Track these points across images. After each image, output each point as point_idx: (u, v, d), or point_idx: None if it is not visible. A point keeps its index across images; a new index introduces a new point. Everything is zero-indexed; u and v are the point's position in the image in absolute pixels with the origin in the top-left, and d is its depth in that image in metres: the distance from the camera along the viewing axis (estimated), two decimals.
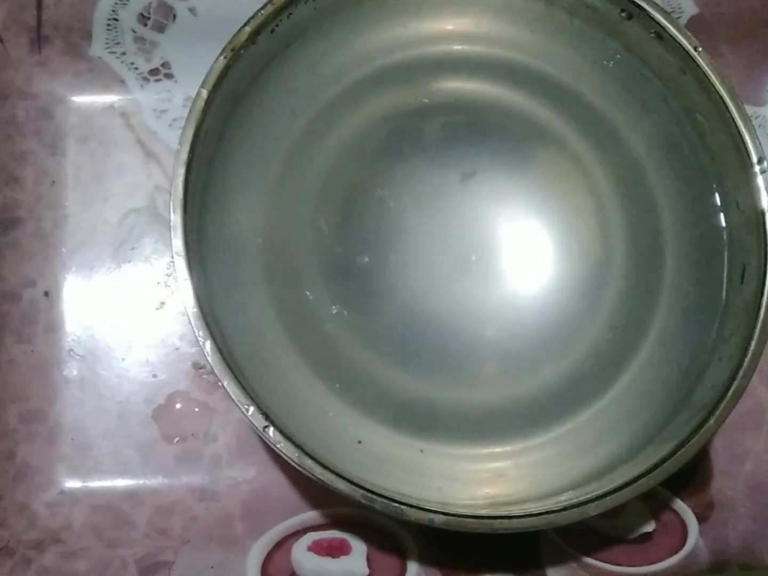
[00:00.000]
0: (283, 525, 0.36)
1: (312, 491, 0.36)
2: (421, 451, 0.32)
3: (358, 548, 0.35)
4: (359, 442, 0.31)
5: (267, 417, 0.28)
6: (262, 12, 0.31)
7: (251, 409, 0.28)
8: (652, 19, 0.33)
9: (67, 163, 0.38)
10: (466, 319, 0.33)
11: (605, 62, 0.35)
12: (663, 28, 0.32)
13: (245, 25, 0.31)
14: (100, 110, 0.39)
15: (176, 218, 0.29)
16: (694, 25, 0.41)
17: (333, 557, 0.35)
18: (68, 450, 0.36)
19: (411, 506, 0.28)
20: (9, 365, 0.36)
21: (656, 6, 0.32)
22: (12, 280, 0.37)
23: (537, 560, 0.36)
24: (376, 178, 0.34)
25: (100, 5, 0.38)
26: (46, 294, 0.37)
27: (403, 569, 0.35)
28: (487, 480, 0.32)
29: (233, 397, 0.28)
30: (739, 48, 0.42)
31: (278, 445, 0.28)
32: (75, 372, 0.37)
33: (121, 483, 0.36)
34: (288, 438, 0.28)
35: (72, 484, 0.36)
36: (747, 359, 0.30)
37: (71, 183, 0.38)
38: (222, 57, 0.30)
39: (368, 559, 0.35)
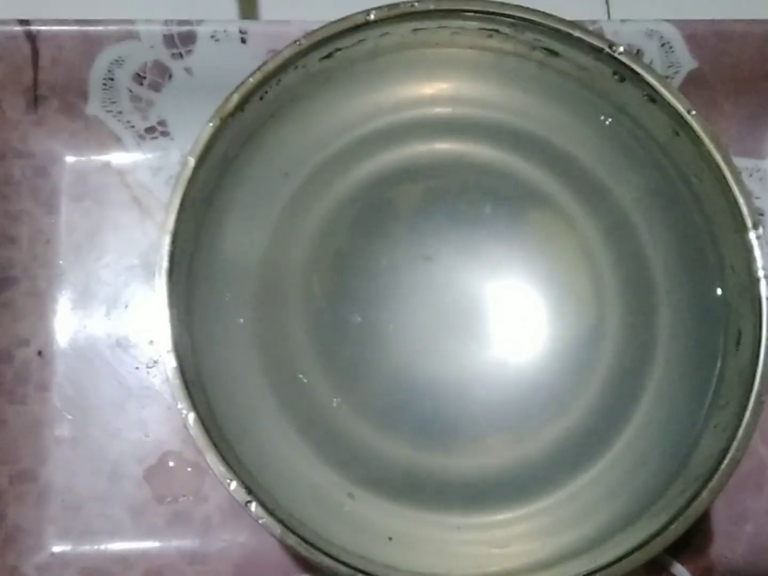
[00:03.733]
0: None
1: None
2: (411, 520, 0.31)
3: None
4: (346, 508, 0.31)
5: (250, 491, 0.27)
6: (251, 79, 0.31)
7: (233, 483, 0.27)
8: (645, 82, 0.32)
9: (61, 221, 0.38)
10: (458, 384, 0.33)
11: (598, 123, 0.35)
12: (656, 90, 0.32)
13: (233, 92, 0.31)
14: (96, 168, 0.39)
15: (161, 286, 0.29)
16: (692, 80, 0.41)
17: None
18: (58, 511, 0.36)
19: None
20: (1, 426, 0.36)
21: (649, 69, 0.32)
22: (5, 340, 0.37)
23: None
24: (365, 242, 0.34)
25: (96, 65, 0.38)
26: (40, 353, 0.37)
27: None
28: (480, 553, 0.31)
29: (215, 471, 0.27)
30: (740, 101, 0.41)
31: (260, 521, 0.27)
32: (66, 432, 0.37)
33: (111, 546, 0.36)
34: (271, 513, 0.27)
35: (62, 546, 0.36)
36: (741, 430, 0.29)
37: (66, 241, 0.38)
38: (210, 125, 0.30)
39: None
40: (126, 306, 0.38)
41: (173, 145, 0.39)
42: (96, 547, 0.36)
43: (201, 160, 0.30)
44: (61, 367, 0.37)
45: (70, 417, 0.37)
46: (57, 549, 0.36)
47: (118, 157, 0.39)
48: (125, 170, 0.39)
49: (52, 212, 0.38)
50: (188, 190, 0.30)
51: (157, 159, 0.39)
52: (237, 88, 0.31)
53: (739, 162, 0.40)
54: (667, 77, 0.38)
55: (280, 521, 0.27)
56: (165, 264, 0.29)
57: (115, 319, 0.38)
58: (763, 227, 0.31)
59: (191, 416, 0.28)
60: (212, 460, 0.27)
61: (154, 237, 0.39)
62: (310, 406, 0.32)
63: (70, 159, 0.39)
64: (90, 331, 0.38)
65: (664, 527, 0.28)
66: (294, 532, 0.27)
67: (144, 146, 0.39)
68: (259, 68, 0.31)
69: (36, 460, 0.36)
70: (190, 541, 0.36)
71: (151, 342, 0.38)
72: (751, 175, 0.41)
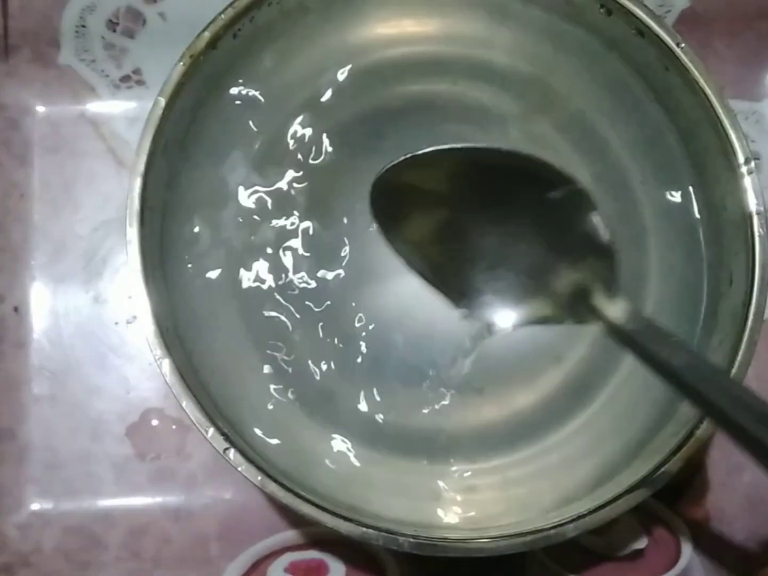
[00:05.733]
0: (260, 545, 0.35)
1: (290, 510, 0.35)
2: (394, 469, 0.31)
3: (337, 569, 0.34)
4: (329, 461, 0.30)
5: (227, 438, 0.27)
6: (222, 16, 0.30)
7: (210, 430, 0.27)
8: (632, 14, 0.31)
9: (35, 174, 0.37)
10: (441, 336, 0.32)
11: (587, 61, 0.33)
12: (643, 23, 0.31)
13: (204, 30, 0.29)
14: (70, 119, 0.38)
15: (132, 232, 0.28)
16: (685, 20, 0.39)
17: None
18: (39, 470, 0.35)
19: (379, 530, 0.27)
20: None
21: (636, 1, 0.31)
22: None
23: None
24: (349, 185, 0.32)
25: (67, 12, 0.37)
26: (16, 309, 0.36)
27: None
28: (464, 500, 0.30)
29: (192, 418, 0.27)
30: (734, 42, 0.40)
31: (239, 468, 0.27)
32: (46, 389, 0.36)
33: (93, 504, 0.35)
34: (250, 461, 0.27)
35: (43, 505, 0.35)
36: (735, 368, 0.29)
37: (40, 195, 0.37)
38: (180, 64, 0.29)
39: None
40: (104, 261, 0.37)
41: (149, 94, 0.38)
42: (78, 505, 0.35)
43: (172, 100, 0.29)
44: (38, 324, 0.36)
45: (48, 374, 0.36)
46: (37, 507, 0.35)
47: (92, 107, 0.38)
48: (100, 121, 0.38)
49: (25, 165, 0.37)
50: (159, 131, 0.29)
51: (132, 109, 0.38)
52: (208, 25, 0.30)
53: (735, 105, 0.39)
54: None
55: (260, 468, 0.27)
56: (136, 207, 0.28)
57: (92, 274, 0.37)
58: (759, 171, 0.30)
59: (166, 362, 0.27)
60: (189, 407, 0.27)
61: None
62: (292, 354, 0.31)
63: (42, 110, 0.38)
64: (67, 286, 0.37)
65: (657, 468, 0.28)
66: (274, 479, 0.26)
67: (119, 95, 0.38)
68: (230, 4, 0.30)
69: (14, 418, 0.36)
70: (175, 498, 0.35)
71: (130, 297, 0.37)
72: (746, 118, 0.40)
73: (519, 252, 0.28)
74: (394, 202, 0.28)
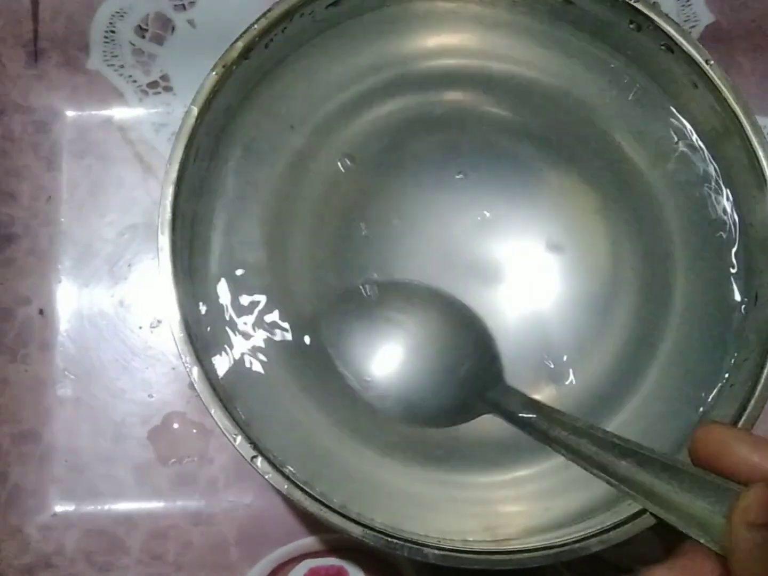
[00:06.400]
0: (280, 551, 0.35)
1: (310, 516, 0.35)
2: (420, 480, 0.31)
3: None
4: (353, 472, 0.30)
5: (255, 447, 0.27)
6: (256, 26, 0.30)
7: (239, 438, 0.27)
8: (662, 30, 0.31)
9: (63, 178, 0.38)
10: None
11: (610, 78, 0.33)
12: (673, 40, 0.31)
13: (237, 40, 0.30)
14: (97, 124, 0.38)
15: (164, 240, 0.28)
16: (709, 35, 0.40)
17: None
18: (62, 472, 0.36)
19: (405, 541, 0.27)
20: (2, 385, 0.36)
21: (666, 18, 0.31)
22: (6, 298, 0.36)
23: None
24: (375, 194, 0.33)
25: (97, 17, 0.37)
26: (41, 312, 0.37)
27: None
28: (489, 512, 0.30)
29: (220, 425, 0.27)
30: (757, 57, 0.40)
31: (267, 476, 0.27)
32: (69, 392, 0.36)
33: (115, 506, 0.35)
34: (277, 469, 0.27)
35: (65, 507, 0.35)
36: (759, 387, 0.29)
37: (67, 198, 0.38)
38: (213, 73, 0.29)
39: None
40: (129, 265, 0.37)
41: (176, 100, 0.38)
42: (100, 507, 0.35)
43: (204, 109, 0.29)
44: (64, 326, 0.37)
45: (72, 377, 0.36)
46: (60, 509, 0.35)
47: (120, 113, 0.38)
48: (127, 126, 0.38)
49: (53, 168, 0.38)
50: (191, 140, 0.29)
51: (159, 114, 0.38)
52: (241, 35, 0.30)
53: (759, 120, 0.39)
54: None
55: (286, 477, 0.27)
56: (168, 216, 0.28)
57: (118, 277, 0.37)
58: None
59: (195, 370, 0.27)
60: (218, 414, 0.27)
61: (157, 195, 0.37)
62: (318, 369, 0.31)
63: (71, 114, 0.38)
64: (92, 290, 0.37)
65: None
66: (300, 488, 0.27)
67: (146, 101, 0.38)
68: (263, 15, 0.30)
69: (38, 420, 0.36)
70: (195, 502, 0.36)
71: (155, 301, 0.37)
72: None
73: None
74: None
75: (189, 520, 0.35)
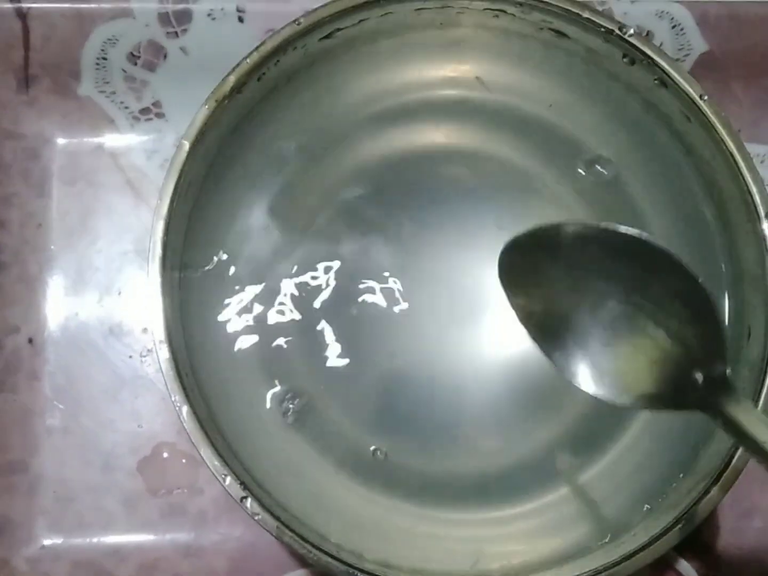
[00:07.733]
0: None
1: None
2: (416, 517, 0.31)
3: None
4: (343, 507, 0.30)
5: (245, 487, 0.27)
6: (248, 60, 0.30)
7: (228, 479, 0.27)
8: (656, 65, 0.31)
9: (53, 205, 0.37)
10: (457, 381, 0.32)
11: (607, 107, 0.33)
12: (667, 74, 0.31)
13: (230, 74, 0.29)
14: (88, 151, 0.38)
15: (154, 274, 0.28)
16: (703, 63, 0.39)
17: None
18: (50, 503, 0.35)
19: None
20: None
21: (660, 52, 0.31)
22: None
23: None
24: (369, 224, 0.33)
25: (89, 44, 0.37)
26: (30, 341, 0.36)
27: None
28: (478, 550, 0.30)
29: (210, 466, 0.27)
30: (752, 85, 0.40)
31: (256, 518, 0.26)
32: (58, 422, 0.36)
33: (103, 538, 0.35)
34: (267, 509, 0.27)
35: (53, 539, 0.35)
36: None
37: (58, 225, 0.37)
38: (205, 107, 0.29)
39: None
40: (119, 293, 0.37)
41: (168, 126, 0.38)
42: (88, 539, 0.35)
43: (196, 143, 0.29)
44: (53, 356, 0.36)
45: (61, 406, 0.36)
46: (48, 542, 0.35)
47: (111, 139, 0.38)
48: (119, 152, 0.38)
49: (44, 195, 0.37)
50: (182, 175, 0.29)
51: (151, 141, 0.38)
52: (233, 69, 0.30)
53: (751, 148, 0.38)
54: (677, 60, 0.37)
55: (277, 518, 0.26)
56: (158, 251, 0.28)
57: (107, 306, 0.37)
58: None
59: (185, 409, 0.27)
60: (207, 454, 0.27)
61: (148, 222, 0.37)
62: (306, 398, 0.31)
63: (61, 141, 0.38)
64: (82, 318, 0.37)
65: (672, 526, 0.28)
66: (291, 529, 0.26)
67: (138, 128, 0.38)
68: (256, 48, 0.30)
69: (26, 450, 0.36)
70: (185, 534, 0.35)
71: (145, 330, 0.37)
72: (762, 162, 0.40)
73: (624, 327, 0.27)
74: (518, 266, 0.27)
75: (178, 552, 0.35)
